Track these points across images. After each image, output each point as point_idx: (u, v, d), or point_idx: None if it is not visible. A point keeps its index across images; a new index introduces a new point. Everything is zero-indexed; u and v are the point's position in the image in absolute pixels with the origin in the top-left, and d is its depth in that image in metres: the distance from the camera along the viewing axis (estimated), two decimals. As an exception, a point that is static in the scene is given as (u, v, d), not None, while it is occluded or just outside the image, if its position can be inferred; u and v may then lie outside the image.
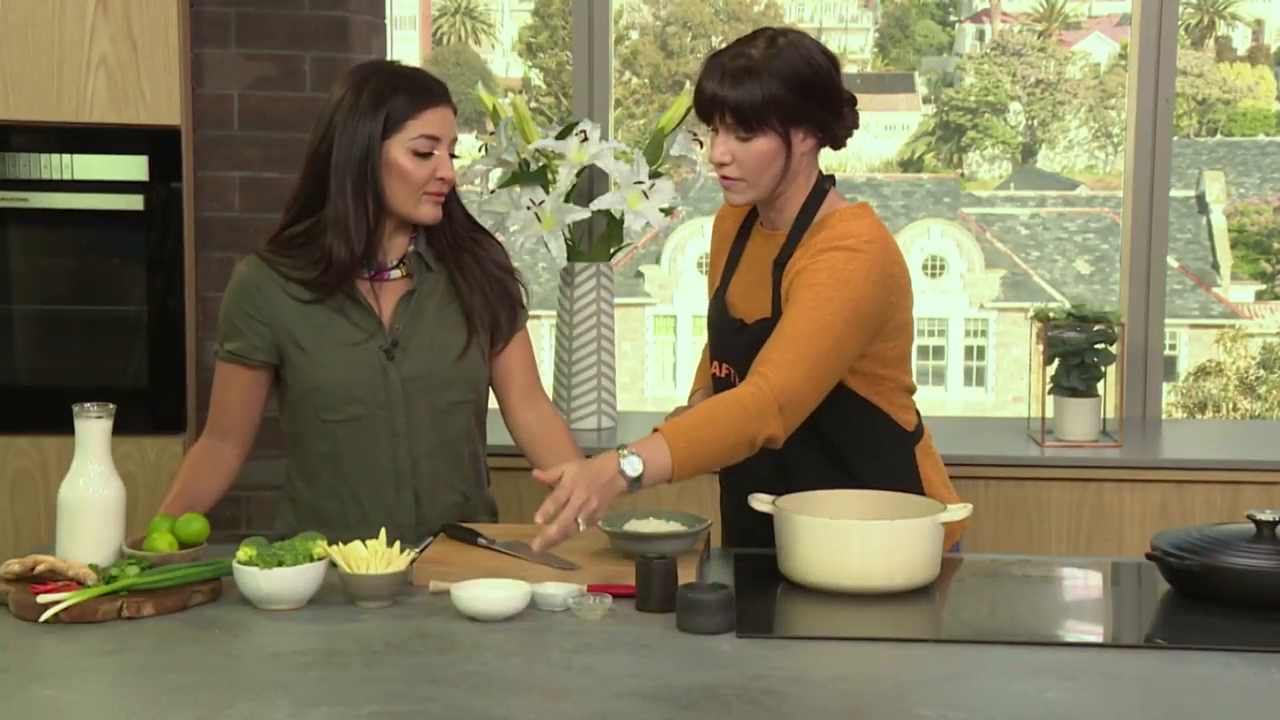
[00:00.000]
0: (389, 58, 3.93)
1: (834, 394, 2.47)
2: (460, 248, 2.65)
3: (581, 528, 2.27)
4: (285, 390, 2.65)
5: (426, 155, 2.55)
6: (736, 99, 2.42)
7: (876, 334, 2.48)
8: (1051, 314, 3.67)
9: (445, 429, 2.64)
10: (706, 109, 2.46)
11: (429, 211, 2.58)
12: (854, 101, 2.52)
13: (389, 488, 2.62)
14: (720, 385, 2.60)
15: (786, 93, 2.42)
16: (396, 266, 2.62)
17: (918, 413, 2.66)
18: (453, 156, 2.60)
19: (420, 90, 2.55)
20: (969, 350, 24.23)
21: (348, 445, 2.60)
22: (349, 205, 2.53)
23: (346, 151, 2.52)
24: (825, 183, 2.55)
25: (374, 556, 2.27)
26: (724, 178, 2.49)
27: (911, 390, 2.62)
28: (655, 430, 2.34)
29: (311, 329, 2.59)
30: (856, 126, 2.54)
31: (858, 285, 2.41)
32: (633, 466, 2.29)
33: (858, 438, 2.55)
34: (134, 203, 3.59)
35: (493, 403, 2.77)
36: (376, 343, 2.59)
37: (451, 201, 2.65)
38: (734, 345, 2.56)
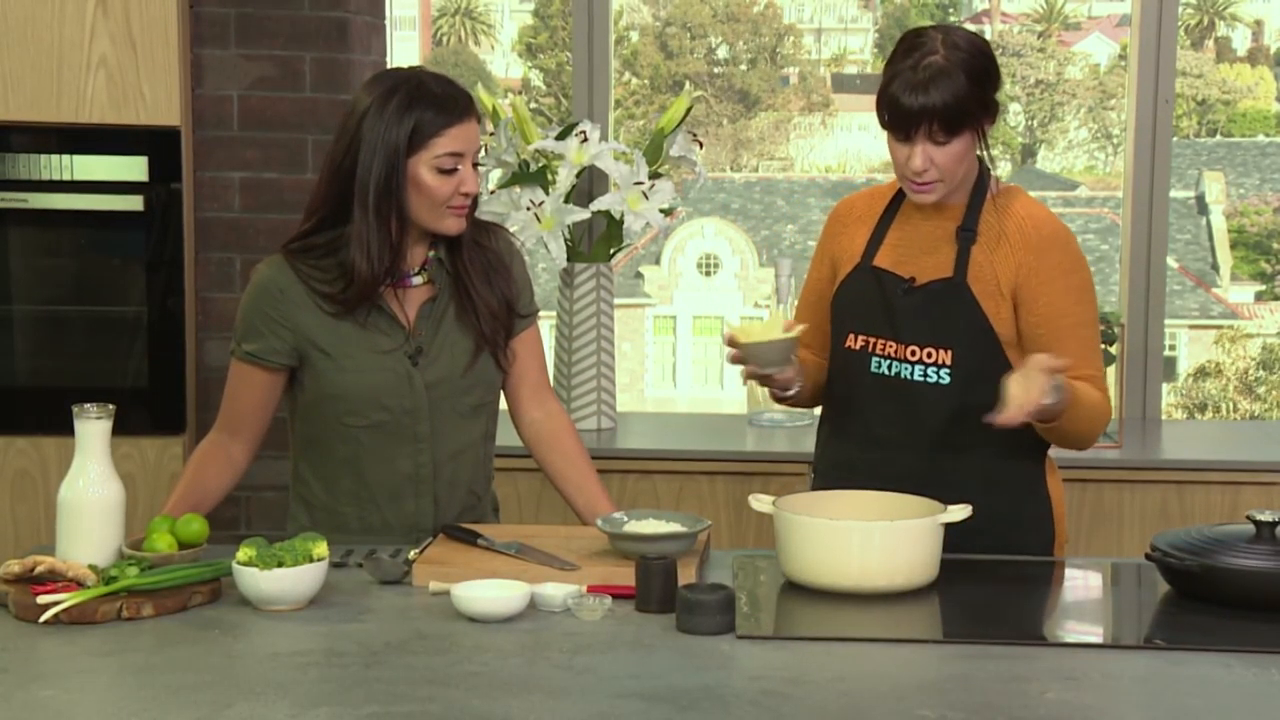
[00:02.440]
0: (389, 59, 3.93)
1: None
2: (471, 255, 2.63)
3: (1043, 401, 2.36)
4: (301, 393, 2.63)
5: (451, 171, 2.53)
6: (943, 104, 2.46)
7: None
8: (1051, 314, 3.66)
9: (468, 432, 2.65)
10: (910, 121, 2.48)
11: (452, 224, 2.56)
12: None
13: (409, 493, 2.61)
14: (853, 359, 2.61)
15: (975, 89, 2.50)
16: (418, 273, 2.61)
17: None
18: (476, 165, 2.58)
19: (446, 106, 2.52)
20: (969, 351, 24.19)
21: (370, 451, 2.60)
22: (372, 222, 2.51)
23: (369, 167, 2.50)
24: (984, 162, 2.64)
25: (768, 328, 2.50)
26: (919, 183, 2.53)
27: None
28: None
29: (337, 335, 2.57)
30: None
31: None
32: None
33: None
34: (134, 203, 3.59)
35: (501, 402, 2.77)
36: (403, 350, 2.59)
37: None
38: (899, 304, 2.57)
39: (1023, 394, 2.34)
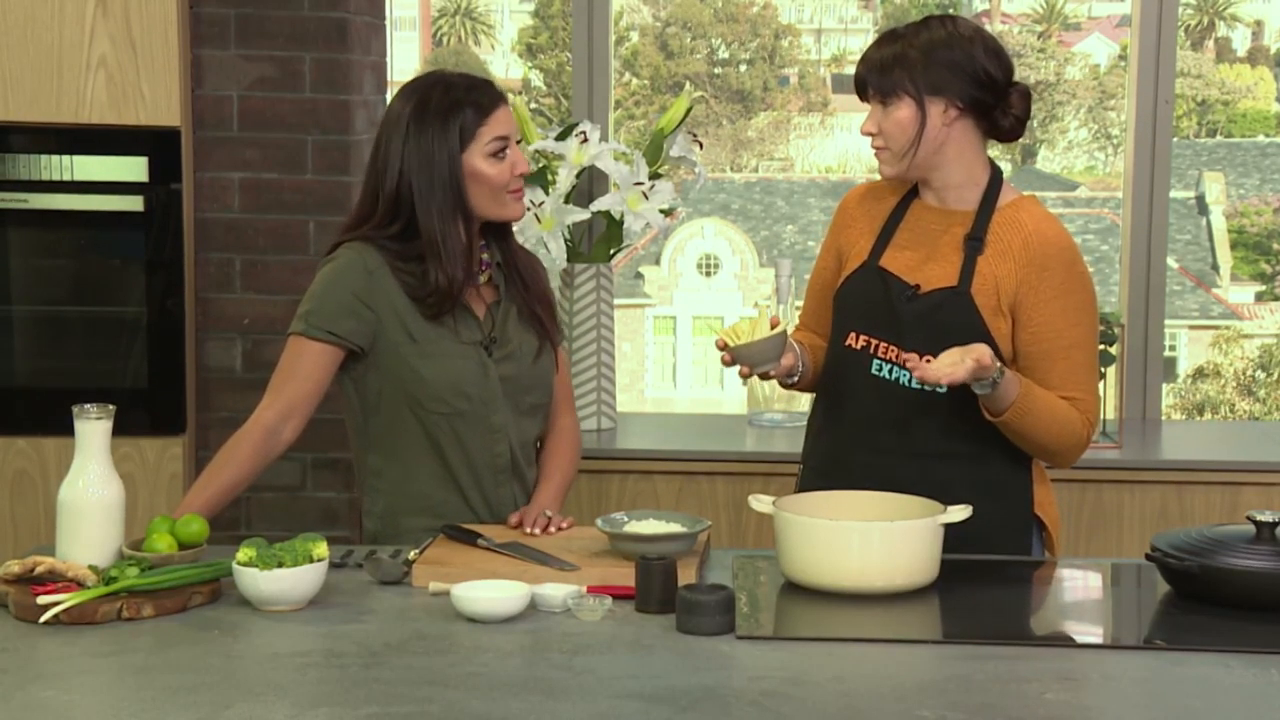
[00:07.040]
0: (389, 59, 3.93)
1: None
2: (518, 251, 2.75)
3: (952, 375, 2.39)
4: (365, 385, 2.65)
5: (502, 155, 2.61)
6: (879, 62, 2.54)
7: None
8: (1051, 315, 3.66)
9: (528, 431, 2.72)
10: (858, 84, 2.58)
11: (515, 208, 2.66)
12: (1027, 95, 2.56)
13: (489, 482, 2.66)
14: (853, 358, 2.60)
15: (921, 59, 2.51)
16: (481, 273, 2.68)
17: None
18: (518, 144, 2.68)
19: (481, 96, 2.62)
20: (969, 351, 24.15)
21: (449, 438, 2.64)
22: (443, 228, 2.58)
23: (428, 175, 2.58)
24: (997, 170, 2.62)
25: (755, 325, 2.49)
26: (874, 149, 2.59)
27: None
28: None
29: (420, 321, 2.61)
30: (1024, 114, 2.58)
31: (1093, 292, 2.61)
32: (999, 369, 2.43)
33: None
34: (134, 204, 3.59)
35: None
36: (480, 342, 2.65)
37: None
38: (902, 310, 2.56)
39: (949, 366, 2.39)
